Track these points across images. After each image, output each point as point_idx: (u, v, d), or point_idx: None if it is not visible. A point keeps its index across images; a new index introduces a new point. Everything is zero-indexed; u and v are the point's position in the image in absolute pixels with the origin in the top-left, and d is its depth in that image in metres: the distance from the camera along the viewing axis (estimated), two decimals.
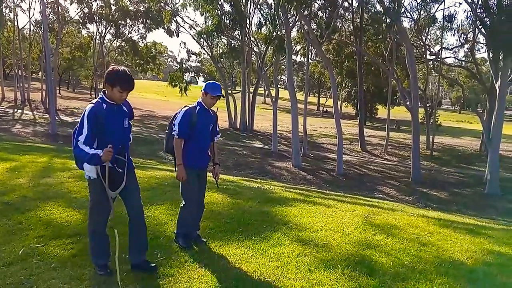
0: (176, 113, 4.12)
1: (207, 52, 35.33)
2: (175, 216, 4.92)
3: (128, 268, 3.55)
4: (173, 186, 6.72)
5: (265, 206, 5.89)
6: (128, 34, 40.61)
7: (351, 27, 30.27)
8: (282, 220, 5.24)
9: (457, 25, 27.30)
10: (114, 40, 43.39)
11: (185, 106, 4.10)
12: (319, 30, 24.40)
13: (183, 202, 4.25)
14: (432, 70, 32.84)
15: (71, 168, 8.02)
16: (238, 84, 45.69)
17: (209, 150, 4.34)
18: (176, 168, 4.07)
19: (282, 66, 44.67)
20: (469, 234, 5.19)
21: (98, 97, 3.40)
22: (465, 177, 21.63)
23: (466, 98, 39.50)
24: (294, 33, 28.78)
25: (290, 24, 22.15)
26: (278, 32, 24.67)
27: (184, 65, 38.44)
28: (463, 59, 31.84)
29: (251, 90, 34.59)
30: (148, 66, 43.93)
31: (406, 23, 32.39)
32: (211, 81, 4.31)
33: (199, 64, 45.45)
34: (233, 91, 40.17)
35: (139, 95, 66.45)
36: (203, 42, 32.67)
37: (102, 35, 40.78)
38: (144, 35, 41.10)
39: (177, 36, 33.43)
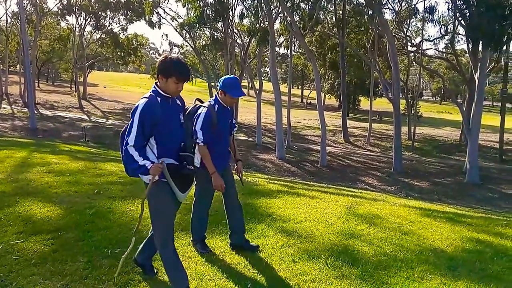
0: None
1: (189, 44, 34.94)
2: None
3: (113, 262, 3.49)
4: None
5: (249, 198, 5.89)
6: (109, 26, 40.00)
7: (334, 19, 30.38)
8: (266, 211, 5.25)
9: (437, 16, 27.72)
10: (95, 32, 42.65)
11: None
12: (302, 22, 24.43)
13: (198, 207, 3.93)
14: (414, 62, 33.22)
15: (51, 162, 7.90)
16: (222, 76, 45.38)
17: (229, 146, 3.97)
18: (212, 178, 3.59)
19: (266, 58, 44.63)
20: (449, 222, 5.29)
21: (151, 90, 2.96)
22: (445, 167, 22.06)
23: (446, 89, 40.10)
24: (277, 25, 28.76)
25: (273, 16, 22.11)
26: (261, 24, 24.58)
27: None
28: (444, 50, 32.32)
29: None
30: (129, 59, 43.36)
31: (387, 15, 32.63)
32: (229, 77, 3.74)
33: (181, 56, 44.86)
34: (217, 83, 39.83)
35: (121, 88, 65.67)
36: (186, 34, 32.35)
37: (82, 27, 40.06)
38: (125, 27, 40.59)
39: (159, 28, 32.98)
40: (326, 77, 47.91)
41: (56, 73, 73.00)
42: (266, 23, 21.67)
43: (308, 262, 3.70)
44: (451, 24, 26.97)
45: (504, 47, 22.29)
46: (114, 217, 4.63)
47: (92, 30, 42.55)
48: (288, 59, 29.05)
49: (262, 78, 30.32)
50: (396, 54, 20.87)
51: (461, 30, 23.97)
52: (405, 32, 30.82)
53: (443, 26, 27.48)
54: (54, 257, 3.56)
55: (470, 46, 19.86)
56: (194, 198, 3.96)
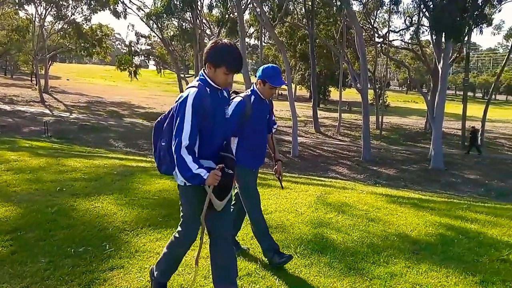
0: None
1: (157, 35, 34.30)
2: (125, 206, 4.80)
3: (77, 262, 3.39)
4: (122, 175, 6.54)
5: None
6: (71, 16, 38.57)
7: (303, 10, 30.48)
8: None
9: (403, 8, 28.25)
10: (56, 22, 41.01)
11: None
12: (272, 13, 24.39)
13: (250, 211, 3.51)
14: (381, 53, 33.83)
15: (10, 160, 7.59)
16: (192, 67, 44.90)
17: (267, 143, 3.65)
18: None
19: None
20: (413, 207, 5.45)
21: (198, 78, 2.60)
22: (411, 154, 22.67)
23: (412, 79, 41.12)
24: (247, 16, 28.61)
25: (243, 7, 21.96)
26: (231, 15, 24.38)
27: (133, 48, 37.17)
28: (409, 41, 33.00)
29: None
30: (94, 50, 42.00)
31: (355, 6, 32.97)
32: (269, 66, 3.43)
33: (149, 47, 44.04)
34: (186, 75, 39.49)
35: (85, 80, 63.84)
36: (153, 24, 31.72)
37: (42, 17, 38.40)
38: (89, 17, 39.27)
39: (125, 18, 32.15)
40: (297, 68, 48.17)
41: (15, 65, 69.97)
42: (236, 13, 21.47)
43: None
44: (416, 15, 27.58)
45: (466, 38, 23.03)
46: (77, 215, 4.48)
47: (53, 20, 40.90)
48: (259, 50, 28.92)
49: None
50: (364, 45, 21.17)
51: (425, 21, 24.55)
52: (372, 23, 31.32)
53: (408, 18, 28.08)
54: (13, 259, 3.41)
55: (434, 37, 20.38)
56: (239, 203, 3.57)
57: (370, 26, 31.04)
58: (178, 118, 2.42)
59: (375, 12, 31.75)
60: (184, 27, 30.17)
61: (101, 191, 5.43)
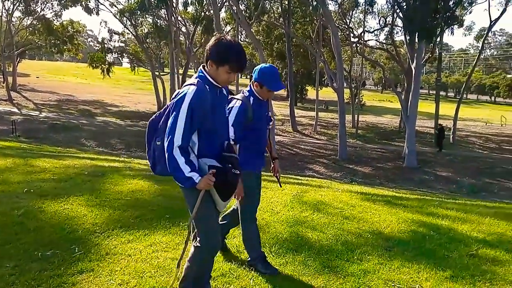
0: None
1: (131, 32, 33.72)
2: (95, 208, 4.67)
3: (44, 266, 3.27)
4: (93, 175, 6.38)
5: None
6: (41, 11, 37.49)
7: (280, 9, 30.58)
8: None
9: (377, 9, 28.71)
10: (24, 18, 39.78)
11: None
12: (248, 11, 24.33)
13: (245, 219, 3.36)
14: (356, 53, 34.26)
15: None
16: (167, 65, 44.38)
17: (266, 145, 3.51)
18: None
19: None
20: (387, 205, 5.53)
21: (197, 75, 2.48)
22: (386, 152, 23.06)
23: (386, 79, 41.88)
24: (223, 14, 28.47)
25: (219, 4, 21.84)
26: (207, 12, 24.22)
27: (106, 45, 36.42)
28: (384, 41, 33.58)
29: (181, 71, 33.83)
30: (65, 47, 40.96)
31: (331, 6, 33.31)
32: (266, 66, 3.20)
33: (123, 44, 43.20)
34: (161, 73, 39.04)
35: (56, 78, 62.23)
36: (126, 21, 31.20)
37: (10, 12, 37.19)
38: (59, 13, 38.26)
39: (97, 14, 31.55)
40: None
41: None
42: (212, 11, 21.33)
43: None
44: (390, 16, 28.09)
45: (438, 39, 23.61)
46: (45, 217, 4.33)
47: (22, 16, 39.68)
48: None
49: None
50: (340, 45, 21.40)
51: (399, 22, 25.05)
52: (348, 23, 31.70)
53: (382, 18, 28.57)
54: None
55: (408, 37, 20.78)
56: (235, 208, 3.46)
57: (346, 26, 31.41)
58: (173, 116, 2.32)
59: (351, 12, 32.18)
60: (159, 24, 29.79)
61: (71, 192, 5.27)
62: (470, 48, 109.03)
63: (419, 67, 19.08)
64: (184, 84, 2.45)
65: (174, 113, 2.32)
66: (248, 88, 3.24)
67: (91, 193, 5.29)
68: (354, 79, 42.99)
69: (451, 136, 27.11)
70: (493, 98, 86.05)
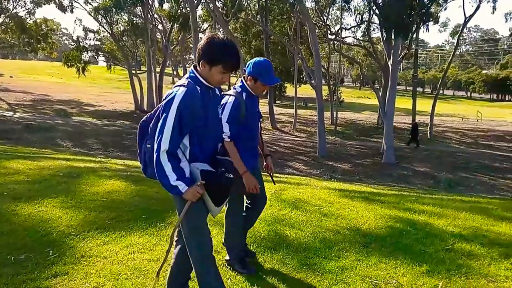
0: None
1: (106, 30, 33.13)
2: (71, 210, 4.57)
3: (17, 270, 3.17)
4: (68, 176, 6.25)
5: None
6: (13, 9, 36.47)
7: (257, 6, 30.54)
8: None
9: (354, 6, 28.97)
10: None
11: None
12: (226, 8, 24.22)
13: (232, 219, 3.27)
14: (334, 50, 34.53)
15: None
16: (144, 63, 43.85)
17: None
18: (243, 179, 3.00)
19: (190, 45, 43.83)
20: (364, 201, 5.57)
21: (188, 75, 2.38)
22: (365, 149, 23.32)
23: (364, 75, 42.42)
24: (200, 11, 28.28)
25: (195, 2, 21.64)
26: (183, 10, 23.99)
27: (81, 44, 35.67)
28: (361, 38, 33.93)
29: (158, 70, 33.48)
30: (39, 45, 39.93)
31: (308, 3, 33.50)
32: (260, 60, 3.11)
33: (98, 43, 42.39)
34: (138, 71, 38.55)
35: (30, 77, 60.74)
36: (102, 19, 30.59)
37: None
38: (32, 11, 37.29)
39: (71, 12, 31.07)
40: None
41: None
42: (188, 8, 21.15)
43: None
44: (366, 13, 28.39)
45: (414, 36, 23.99)
46: (19, 220, 4.22)
47: None
48: None
49: (187, 65, 29.71)
50: (317, 42, 21.50)
51: (376, 19, 25.31)
52: (325, 20, 31.90)
53: (358, 15, 28.86)
54: None
55: (384, 34, 21.04)
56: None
57: (323, 23, 31.60)
58: (162, 119, 2.23)
59: (328, 9, 32.37)
60: (135, 22, 29.32)
61: (45, 194, 5.15)
62: (446, 44, 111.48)
63: (395, 64, 19.33)
64: (174, 85, 2.36)
65: (164, 115, 2.23)
66: (240, 84, 3.13)
67: (66, 194, 5.18)
68: (333, 76, 43.40)
69: (428, 132, 27.59)
70: (469, 93, 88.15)
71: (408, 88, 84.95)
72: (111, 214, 4.54)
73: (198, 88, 2.31)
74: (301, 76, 41.45)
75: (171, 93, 2.28)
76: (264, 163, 3.42)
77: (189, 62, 54.20)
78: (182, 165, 2.29)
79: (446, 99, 76.54)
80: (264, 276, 3.20)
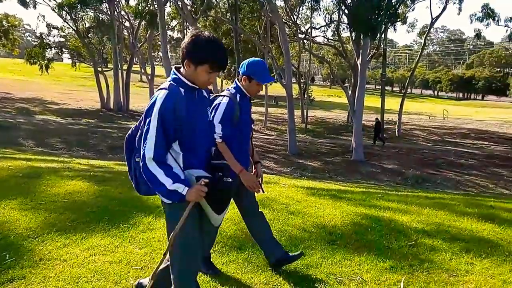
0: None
1: (71, 26, 32.20)
2: (30, 211, 4.41)
3: None
4: (28, 177, 6.02)
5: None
6: None
7: (227, 4, 30.39)
8: (154, 203, 5.00)
9: (323, 5, 29.27)
10: None
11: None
12: (195, 6, 23.97)
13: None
14: (304, 49, 34.80)
15: None
16: (110, 61, 42.90)
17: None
18: (241, 178, 2.92)
19: (159, 42, 43.28)
20: (331, 199, 5.62)
21: (171, 77, 2.22)
22: (335, 147, 23.65)
23: (333, 74, 42.97)
24: (169, 9, 27.88)
25: None
26: (151, 7, 23.60)
27: (44, 41, 34.52)
28: (331, 38, 34.34)
29: (125, 67, 32.84)
30: (0, 42, 38.49)
31: (278, 2, 33.63)
32: (254, 60, 3.05)
33: (62, 39, 41.16)
34: (105, 69, 37.69)
35: None
36: (66, 15, 29.68)
37: None
38: None
39: (34, 7, 29.73)
40: None
41: None
42: (156, 5, 20.81)
43: None
44: (336, 13, 28.75)
45: (383, 36, 24.46)
46: None
47: None
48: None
49: (156, 63, 29.26)
50: (287, 41, 21.61)
51: (345, 19, 25.66)
52: (295, 19, 32.09)
53: (327, 15, 29.17)
54: None
55: (354, 34, 21.36)
56: None
57: (293, 22, 31.78)
58: (146, 125, 2.08)
59: (298, 8, 32.58)
60: (100, 18, 28.62)
61: (3, 196, 4.93)
62: (414, 44, 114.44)
63: (364, 63, 19.67)
64: (157, 89, 2.20)
65: (147, 120, 2.09)
66: (233, 85, 3.06)
67: (25, 196, 4.99)
68: (303, 74, 43.72)
69: (396, 130, 28.24)
70: (436, 92, 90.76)
71: (377, 87, 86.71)
72: (72, 216, 4.41)
73: (182, 90, 2.16)
74: (272, 75, 41.60)
75: (153, 98, 2.15)
76: (253, 170, 3.29)
77: (157, 59, 53.36)
78: (175, 170, 2.14)
79: (414, 97, 78.54)
80: (229, 276, 3.17)
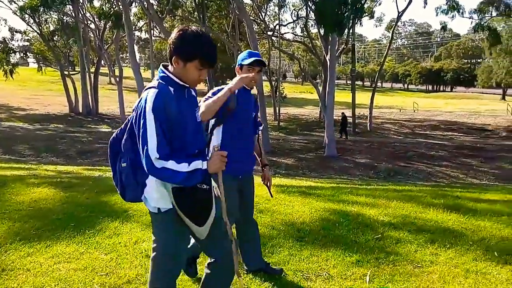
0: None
1: (35, 30, 31.27)
2: None
3: None
4: None
5: (104, 195, 5.52)
6: None
7: (194, 3, 30.14)
8: (122, 208, 4.94)
9: (290, 2, 29.39)
10: None
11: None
12: (161, 6, 23.68)
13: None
14: (273, 46, 34.88)
15: None
16: (77, 64, 41.96)
17: (253, 147, 3.18)
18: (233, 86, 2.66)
19: (126, 43, 42.58)
20: (301, 196, 5.66)
21: (158, 76, 2.11)
22: (308, 143, 23.83)
23: (303, 71, 43.25)
24: (135, 9, 27.44)
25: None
26: (116, 8, 23.16)
27: (8, 45, 33.39)
28: (301, 34, 34.51)
29: (93, 70, 32.14)
30: None
31: None
32: (244, 51, 3.05)
33: (27, 43, 39.87)
34: (72, 72, 36.81)
35: None
36: (29, 19, 28.82)
37: None
38: None
39: None
40: None
41: None
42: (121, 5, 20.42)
43: None
44: (304, 9, 28.93)
45: (351, 31, 24.76)
46: None
47: None
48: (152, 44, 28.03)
49: (124, 64, 28.73)
50: (256, 39, 21.59)
51: (313, 15, 25.83)
52: (263, 16, 32.13)
53: (294, 11, 29.30)
54: None
55: (322, 30, 21.53)
56: None
57: (261, 20, 31.81)
58: (141, 129, 1.95)
59: (266, 5, 32.61)
60: (65, 21, 27.90)
61: None
62: (383, 38, 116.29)
63: (333, 59, 19.87)
64: (144, 89, 2.09)
65: (141, 123, 1.96)
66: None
67: None
68: (274, 72, 43.91)
69: (368, 124, 28.66)
70: (406, 85, 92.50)
71: (348, 82, 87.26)
72: (37, 224, 4.32)
73: (171, 88, 2.05)
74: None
75: (141, 99, 2.03)
76: (262, 173, 3.22)
77: (126, 61, 52.37)
78: (179, 156, 2.02)
79: (384, 91, 79.85)
80: (194, 278, 3.14)
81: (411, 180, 14.52)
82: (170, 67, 2.11)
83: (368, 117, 28.85)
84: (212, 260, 2.38)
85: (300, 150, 21.69)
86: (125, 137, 2.10)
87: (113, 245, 3.79)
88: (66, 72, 31.67)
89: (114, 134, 2.18)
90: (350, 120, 27.31)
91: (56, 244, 3.82)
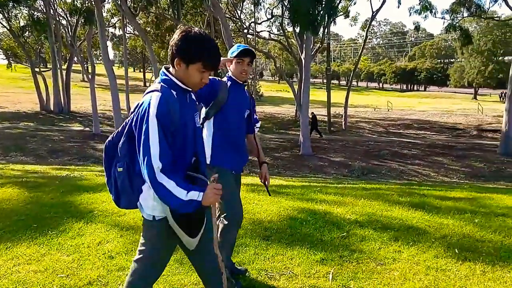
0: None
1: (4, 25, 30.32)
2: None
3: None
4: None
5: (69, 195, 5.40)
6: None
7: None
8: (87, 208, 4.85)
9: (266, 0, 29.37)
10: None
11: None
12: (135, 2, 23.33)
13: (225, 221, 2.95)
14: (248, 44, 34.89)
15: None
16: (49, 60, 40.87)
17: (248, 144, 3.16)
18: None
19: (99, 40, 41.78)
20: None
21: (160, 78, 2.05)
22: (284, 142, 23.94)
23: (278, 69, 43.26)
24: (108, 5, 26.93)
25: None
26: (88, 4, 22.68)
27: None
28: (277, 33, 34.59)
29: (65, 67, 31.35)
30: None
31: None
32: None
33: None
34: (43, 69, 35.81)
35: None
36: None
37: None
38: None
39: None
40: (167, 60, 47.23)
41: None
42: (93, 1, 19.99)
43: (126, 255, 3.53)
44: (279, 8, 28.99)
45: (326, 30, 24.95)
46: None
47: None
48: (126, 41, 27.56)
49: (97, 61, 28.17)
50: (231, 37, 21.50)
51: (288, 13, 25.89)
52: (239, 14, 32.06)
53: (269, 9, 29.33)
54: None
55: (297, 29, 21.60)
56: None
57: (237, 18, 31.73)
58: (142, 135, 1.88)
59: (241, 3, 32.54)
60: (36, 16, 27.12)
61: None
62: (359, 37, 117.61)
63: (308, 58, 19.98)
64: (145, 92, 2.01)
65: (143, 128, 1.88)
66: (228, 74, 3.00)
67: None
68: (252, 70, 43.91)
69: (343, 123, 28.98)
70: (381, 85, 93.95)
71: (324, 81, 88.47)
72: None
73: (174, 92, 1.99)
74: (218, 72, 41.44)
75: (142, 104, 1.95)
76: (259, 171, 3.20)
77: (100, 58, 51.35)
78: (180, 176, 1.98)
79: (360, 90, 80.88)
80: (160, 279, 3.10)
81: (384, 178, 14.72)
82: (171, 70, 2.06)
83: (343, 116, 29.16)
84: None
85: (275, 149, 21.76)
86: (122, 140, 2.02)
87: (76, 246, 3.73)
88: (37, 69, 30.81)
89: (110, 138, 2.10)
90: (324, 118, 27.58)
91: (17, 245, 3.73)
